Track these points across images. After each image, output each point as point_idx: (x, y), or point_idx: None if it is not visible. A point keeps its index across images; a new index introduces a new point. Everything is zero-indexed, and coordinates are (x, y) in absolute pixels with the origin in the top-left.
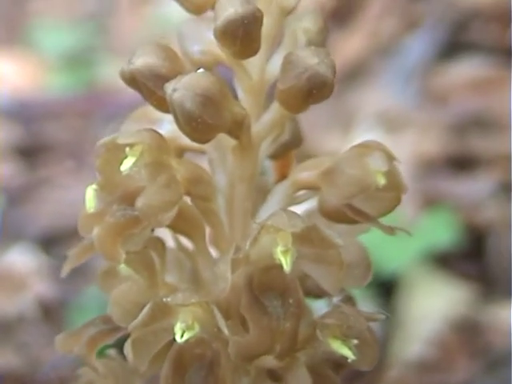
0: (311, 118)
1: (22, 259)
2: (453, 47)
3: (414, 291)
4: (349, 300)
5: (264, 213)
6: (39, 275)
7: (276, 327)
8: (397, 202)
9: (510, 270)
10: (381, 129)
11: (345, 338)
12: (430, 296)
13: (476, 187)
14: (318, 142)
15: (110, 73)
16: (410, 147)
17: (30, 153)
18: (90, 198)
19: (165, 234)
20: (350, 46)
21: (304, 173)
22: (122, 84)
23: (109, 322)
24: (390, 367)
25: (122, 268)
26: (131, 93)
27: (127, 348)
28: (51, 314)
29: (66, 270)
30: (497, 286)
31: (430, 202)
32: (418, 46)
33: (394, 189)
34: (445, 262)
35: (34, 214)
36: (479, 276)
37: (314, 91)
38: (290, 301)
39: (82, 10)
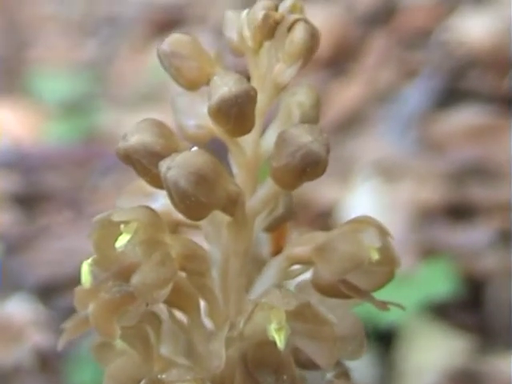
0: None
1: (19, 309)
2: (450, 95)
3: (412, 343)
4: (343, 375)
5: (259, 287)
6: (37, 326)
7: None
8: (390, 276)
9: (509, 320)
10: (379, 178)
11: None
12: (429, 347)
13: (475, 237)
14: (316, 191)
15: (108, 120)
16: (408, 196)
17: (28, 202)
18: (86, 272)
19: (160, 305)
20: (347, 94)
21: (298, 248)
22: (119, 132)
23: None
24: None
25: (118, 342)
26: None
27: None
28: (48, 364)
29: (61, 343)
30: (496, 337)
31: (428, 252)
32: (416, 95)
33: (387, 263)
34: (443, 312)
35: (33, 264)
36: (478, 327)
37: (307, 169)
38: (284, 377)
39: (81, 57)
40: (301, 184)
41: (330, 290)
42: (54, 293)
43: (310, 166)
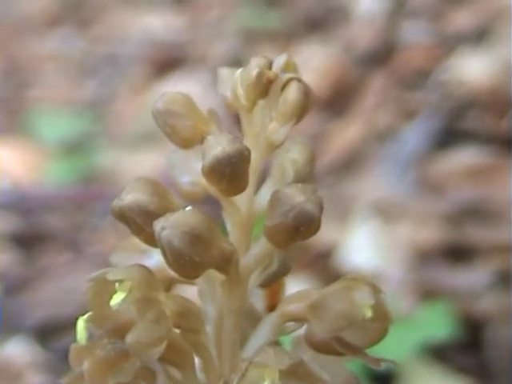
0: None
1: (18, 351)
2: (449, 136)
3: None
4: None
5: (253, 344)
6: (35, 367)
7: None
8: (384, 332)
9: (508, 363)
10: (378, 218)
11: None
12: None
13: (473, 278)
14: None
15: (108, 160)
16: (406, 237)
17: (27, 243)
18: (81, 329)
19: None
20: (346, 134)
21: (292, 305)
22: (119, 171)
23: None
24: None
25: None
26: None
27: None
28: None
29: None
30: (495, 380)
31: (427, 293)
32: (415, 135)
33: (380, 320)
34: (442, 355)
35: (31, 305)
36: (477, 370)
37: (301, 228)
38: None
39: (81, 97)
40: (294, 243)
41: (323, 347)
42: (52, 334)
43: (304, 226)
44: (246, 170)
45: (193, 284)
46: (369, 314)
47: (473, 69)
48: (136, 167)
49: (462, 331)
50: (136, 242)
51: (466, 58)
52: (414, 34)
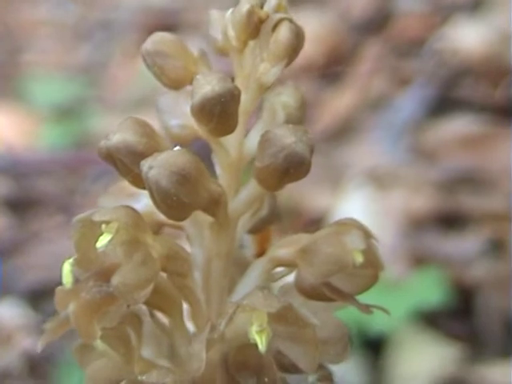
0: None
1: (9, 314)
2: (443, 104)
3: (402, 351)
4: (326, 379)
5: (241, 290)
6: (26, 330)
7: None
8: (374, 279)
9: (499, 329)
10: (370, 186)
11: None
12: (419, 356)
13: (465, 246)
14: (307, 199)
15: (101, 125)
16: (399, 204)
17: (20, 207)
18: (67, 273)
19: (141, 308)
20: (340, 102)
21: (282, 250)
22: None
23: None
24: None
25: (98, 343)
26: None
27: None
28: (37, 369)
29: (42, 344)
30: (485, 346)
31: (419, 260)
32: (409, 103)
33: (371, 266)
34: (433, 321)
35: (23, 268)
36: (468, 335)
37: (290, 170)
38: (266, 380)
39: (74, 62)
40: (284, 185)
41: (313, 293)
42: (44, 297)
43: (294, 167)
44: (236, 110)
45: (180, 228)
46: (359, 259)
47: (468, 37)
48: None
49: (453, 298)
50: (124, 186)
51: (461, 26)
52: (410, 2)
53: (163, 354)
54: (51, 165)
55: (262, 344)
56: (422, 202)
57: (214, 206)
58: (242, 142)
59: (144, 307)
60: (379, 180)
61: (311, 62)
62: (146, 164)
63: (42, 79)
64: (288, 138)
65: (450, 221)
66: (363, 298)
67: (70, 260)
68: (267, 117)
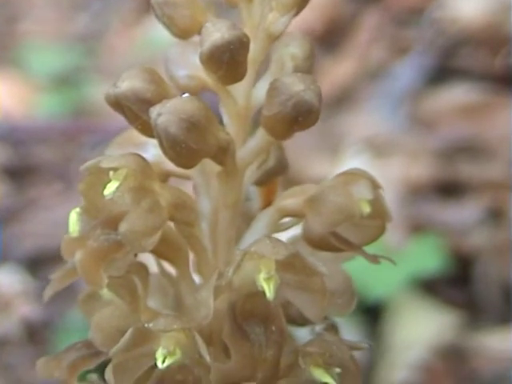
0: (299, 143)
1: (8, 280)
2: (442, 73)
3: (400, 317)
4: (332, 328)
5: (248, 239)
6: (25, 297)
7: (258, 355)
8: (381, 230)
9: (496, 297)
10: (369, 154)
11: (327, 367)
12: (416, 322)
13: (464, 214)
14: (305, 167)
15: (98, 94)
16: (397, 173)
17: (17, 175)
18: (74, 221)
19: (148, 258)
20: (338, 70)
21: (289, 200)
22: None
23: (90, 347)
24: None
25: (105, 292)
26: (119, 116)
27: (108, 373)
28: (36, 335)
29: (48, 293)
30: (483, 313)
31: (417, 228)
32: (407, 72)
33: (378, 217)
34: (431, 288)
35: (21, 235)
36: (466, 303)
37: (299, 118)
38: (273, 328)
39: (72, 30)
40: (292, 134)
41: (320, 243)
42: (42, 264)
43: (302, 115)
44: (245, 58)
45: (188, 178)
46: (367, 209)
47: (467, 6)
48: None
49: (451, 265)
50: (131, 135)
51: None
52: None
53: (169, 304)
54: (49, 133)
55: (269, 291)
56: (421, 170)
57: (222, 154)
58: (250, 92)
59: (151, 260)
60: (378, 148)
61: (310, 30)
62: (154, 111)
63: (40, 48)
64: (296, 86)
65: (449, 189)
66: (362, 262)
67: (77, 209)
68: (275, 67)
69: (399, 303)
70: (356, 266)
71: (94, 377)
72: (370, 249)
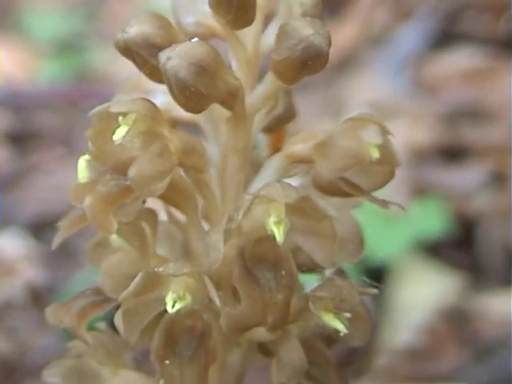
0: (302, 106)
1: (11, 245)
2: (445, 37)
3: (403, 279)
4: (341, 273)
5: (257, 185)
6: (29, 261)
7: (268, 299)
8: (390, 176)
9: (499, 259)
10: None
11: (337, 311)
12: (420, 284)
13: (467, 177)
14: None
15: (100, 59)
16: (401, 137)
17: (20, 140)
18: (82, 168)
19: (157, 206)
20: (342, 34)
21: (297, 145)
22: (112, 71)
23: (99, 294)
24: (379, 355)
25: (114, 239)
26: (121, 81)
27: (117, 319)
28: (40, 299)
29: (57, 241)
30: (486, 276)
31: (421, 192)
32: (411, 36)
33: (387, 162)
34: (435, 250)
35: (24, 200)
36: (469, 265)
37: (308, 62)
38: (283, 273)
39: None
40: (301, 78)
41: (329, 188)
42: (45, 228)
43: (311, 60)
44: (254, 2)
45: (196, 125)
46: (375, 154)
47: None
48: (128, 67)
49: (455, 228)
50: (140, 82)
51: None
52: None
53: (178, 251)
54: (51, 98)
55: (279, 235)
56: (424, 134)
57: (232, 98)
58: (259, 37)
59: (159, 204)
60: (381, 112)
61: None
62: (164, 55)
63: (42, 13)
64: (306, 30)
65: (452, 153)
66: (366, 224)
67: (86, 156)
68: (284, 13)
69: (403, 266)
70: None
71: (102, 325)
72: (374, 207)
